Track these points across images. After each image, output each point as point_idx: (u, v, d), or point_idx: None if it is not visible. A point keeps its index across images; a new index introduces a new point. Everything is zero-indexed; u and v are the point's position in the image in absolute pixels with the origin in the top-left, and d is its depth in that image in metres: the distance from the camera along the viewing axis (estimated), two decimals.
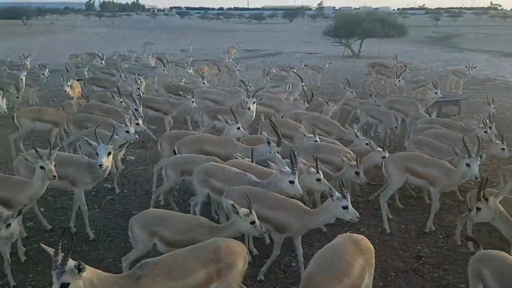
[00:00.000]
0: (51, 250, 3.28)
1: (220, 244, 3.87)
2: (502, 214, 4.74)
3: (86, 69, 15.09)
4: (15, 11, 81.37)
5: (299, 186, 5.10)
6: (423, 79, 14.85)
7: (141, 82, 12.80)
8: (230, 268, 3.77)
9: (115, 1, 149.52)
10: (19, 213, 4.55)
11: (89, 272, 3.33)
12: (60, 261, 3.16)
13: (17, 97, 11.80)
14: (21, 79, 12.58)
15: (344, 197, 4.53)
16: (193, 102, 9.71)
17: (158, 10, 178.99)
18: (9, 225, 4.45)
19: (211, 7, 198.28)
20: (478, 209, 4.73)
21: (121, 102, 9.64)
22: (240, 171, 5.55)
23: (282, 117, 9.88)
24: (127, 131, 6.78)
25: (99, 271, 3.51)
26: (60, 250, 3.21)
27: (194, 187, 5.80)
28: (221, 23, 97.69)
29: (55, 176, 5.14)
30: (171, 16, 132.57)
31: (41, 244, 3.68)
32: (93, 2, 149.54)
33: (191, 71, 16.44)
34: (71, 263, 3.19)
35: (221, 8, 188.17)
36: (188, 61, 18.52)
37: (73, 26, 70.37)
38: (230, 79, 17.85)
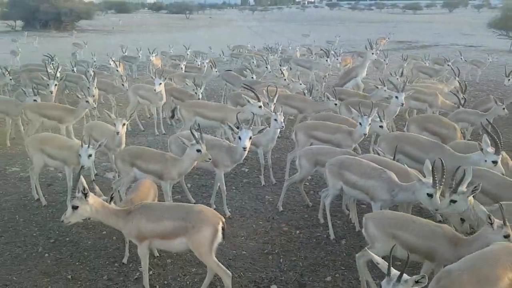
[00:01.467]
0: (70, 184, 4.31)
1: (194, 208, 4.37)
2: (475, 205, 4.30)
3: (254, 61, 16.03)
4: (180, 6, 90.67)
5: (438, 202, 4.52)
6: None
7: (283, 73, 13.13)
8: (195, 230, 4.16)
9: None
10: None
11: (96, 201, 4.28)
12: (71, 191, 4.02)
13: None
14: (181, 68, 14.01)
15: None
16: (385, 91, 9.64)
17: (308, 2, 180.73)
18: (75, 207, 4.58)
19: None
20: (453, 201, 4.36)
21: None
22: (378, 166, 5.33)
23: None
24: (276, 119, 7.00)
25: (105, 202, 4.39)
26: (76, 185, 4.18)
27: (327, 179, 5.75)
28: (373, 13, 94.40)
29: (210, 159, 5.60)
30: (321, 8, 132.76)
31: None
32: None
33: (329, 62, 15.99)
34: (79, 192, 4.16)
35: None
36: (334, 52, 18.33)
37: (229, 20, 75.46)
38: (376, 71, 17.20)
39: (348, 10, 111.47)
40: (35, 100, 8.85)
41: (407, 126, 7.76)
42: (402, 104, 8.19)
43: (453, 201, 4.36)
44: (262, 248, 5.51)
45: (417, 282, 3.15)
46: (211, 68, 12.70)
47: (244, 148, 5.92)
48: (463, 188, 4.38)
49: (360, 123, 6.74)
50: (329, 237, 5.72)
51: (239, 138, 5.95)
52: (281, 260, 5.25)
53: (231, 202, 6.74)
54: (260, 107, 7.87)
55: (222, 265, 4.34)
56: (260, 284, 4.83)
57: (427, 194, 4.54)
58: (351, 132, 6.95)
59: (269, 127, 7.00)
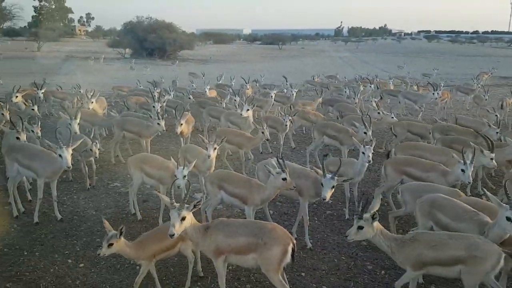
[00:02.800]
0: (167, 198, 4.48)
1: (267, 225, 4.49)
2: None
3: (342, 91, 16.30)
4: (274, 37, 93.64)
5: None
6: None
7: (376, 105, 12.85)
8: (265, 247, 4.29)
9: (363, 27, 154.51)
10: (121, 233, 4.67)
11: (190, 214, 4.43)
12: (176, 204, 4.33)
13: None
14: (271, 96, 14.36)
15: None
16: (497, 133, 9.26)
17: (404, 34, 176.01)
18: (111, 244, 4.62)
19: (464, 30, 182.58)
20: (360, 227, 4.59)
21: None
22: (471, 209, 4.98)
23: None
24: (363, 153, 6.89)
25: (193, 216, 4.54)
26: (173, 198, 4.37)
27: (417, 217, 5.47)
28: (474, 47, 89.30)
29: (294, 187, 5.69)
30: (418, 40, 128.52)
31: (158, 194, 4.94)
32: (342, 28, 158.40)
33: (436, 96, 14.54)
34: (180, 205, 4.32)
35: (476, 32, 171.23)
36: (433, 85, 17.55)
37: (321, 50, 76.06)
38: (477, 107, 16.14)
39: (448, 42, 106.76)
40: (158, 124, 9.43)
41: None
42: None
43: (360, 227, 4.53)
44: (344, 285, 5.35)
45: None
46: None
47: (324, 199, 5.76)
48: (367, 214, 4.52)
49: (463, 170, 6.25)
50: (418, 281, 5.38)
51: (321, 184, 5.81)
52: None
53: (312, 233, 6.66)
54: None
55: (286, 284, 4.38)
56: None
57: (506, 218, 4.38)
58: (446, 172, 6.56)
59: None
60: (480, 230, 4.67)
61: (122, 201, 7.90)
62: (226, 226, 4.58)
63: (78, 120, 9.19)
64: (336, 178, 5.74)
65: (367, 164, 6.92)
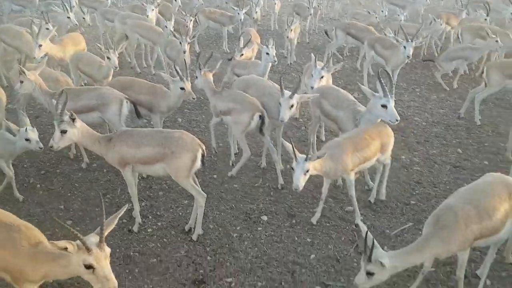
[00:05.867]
0: (54, 108, 4.34)
1: (174, 134, 4.36)
2: None
3: None
4: None
5: None
6: None
7: None
8: (173, 156, 4.20)
9: None
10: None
11: (82, 125, 4.34)
12: (59, 115, 4.19)
13: None
14: None
15: None
16: None
17: None
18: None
19: None
20: None
21: None
22: (352, 98, 5.35)
23: None
24: (267, 53, 6.73)
25: (89, 128, 4.44)
26: (60, 108, 4.19)
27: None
28: None
29: (194, 98, 5.64)
30: None
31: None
32: None
33: None
34: (66, 115, 4.18)
35: None
36: None
37: None
38: None
39: None
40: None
41: None
42: None
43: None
44: (254, 181, 5.60)
45: None
46: None
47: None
48: None
49: None
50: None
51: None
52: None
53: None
54: None
55: (197, 187, 4.44)
56: (251, 215, 4.94)
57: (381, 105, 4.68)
58: None
59: None
60: (354, 117, 5.02)
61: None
62: (130, 137, 4.40)
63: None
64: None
65: (270, 65, 6.84)
